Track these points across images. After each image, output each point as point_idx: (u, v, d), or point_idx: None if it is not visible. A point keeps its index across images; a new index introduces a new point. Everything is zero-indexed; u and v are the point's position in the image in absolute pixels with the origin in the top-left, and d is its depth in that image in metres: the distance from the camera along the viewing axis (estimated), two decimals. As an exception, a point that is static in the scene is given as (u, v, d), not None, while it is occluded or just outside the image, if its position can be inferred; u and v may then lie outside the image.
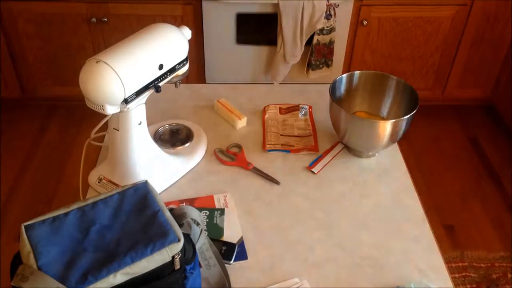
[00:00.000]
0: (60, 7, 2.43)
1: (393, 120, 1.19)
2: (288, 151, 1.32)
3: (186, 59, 1.14)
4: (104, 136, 1.33)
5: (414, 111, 1.21)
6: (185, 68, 1.16)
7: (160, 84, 1.09)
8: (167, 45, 1.09)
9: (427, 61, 2.69)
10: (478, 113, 2.92)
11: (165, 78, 1.10)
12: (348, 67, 2.68)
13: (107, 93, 0.97)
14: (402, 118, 1.19)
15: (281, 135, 1.37)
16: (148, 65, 1.04)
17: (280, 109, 1.45)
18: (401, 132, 1.23)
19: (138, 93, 1.04)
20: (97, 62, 0.97)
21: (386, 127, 1.20)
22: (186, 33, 1.14)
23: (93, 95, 0.98)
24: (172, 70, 1.11)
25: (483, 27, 2.57)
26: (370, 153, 1.31)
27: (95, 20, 2.44)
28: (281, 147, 1.33)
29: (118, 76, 0.97)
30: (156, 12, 2.38)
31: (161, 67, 1.07)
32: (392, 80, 1.34)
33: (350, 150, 1.32)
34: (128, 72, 0.99)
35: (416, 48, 2.63)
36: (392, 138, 1.23)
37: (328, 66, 2.55)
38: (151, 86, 1.07)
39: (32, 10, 2.44)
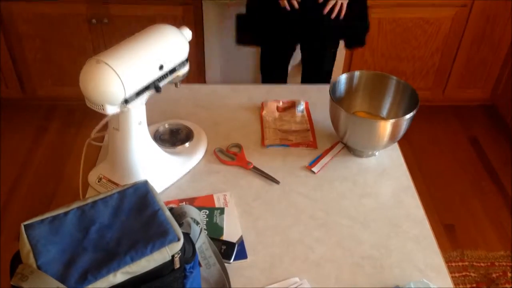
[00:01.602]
0: (60, 8, 2.43)
1: (393, 120, 1.19)
2: (287, 146, 1.33)
3: (186, 60, 1.14)
4: (104, 136, 1.32)
5: (414, 111, 1.21)
6: (185, 69, 1.16)
7: (161, 84, 1.09)
8: (168, 46, 1.09)
9: (427, 62, 2.69)
10: (478, 113, 2.92)
11: (165, 78, 1.10)
12: (348, 67, 2.68)
13: (107, 93, 0.97)
14: (402, 118, 1.19)
15: (279, 130, 1.37)
16: (148, 66, 1.04)
17: (277, 106, 1.45)
18: (401, 132, 1.23)
19: (138, 93, 1.04)
20: (97, 62, 0.97)
21: (386, 127, 1.20)
22: (187, 34, 1.14)
23: (93, 95, 0.98)
24: (173, 70, 1.11)
25: (483, 27, 2.57)
26: (370, 153, 1.31)
27: (95, 21, 2.44)
28: (280, 141, 1.34)
29: (118, 76, 0.97)
30: (156, 13, 2.38)
31: (161, 67, 1.07)
32: (392, 80, 1.34)
33: (350, 150, 1.32)
34: (128, 72, 0.99)
35: (416, 48, 2.63)
36: (392, 138, 1.23)
37: (328, 66, 2.55)
38: (151, 86, 1.07)
39: (32, 10, 2.45)
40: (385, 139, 1.22)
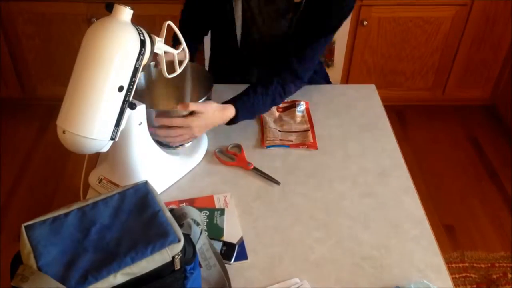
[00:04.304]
0: (60, 7, 2.43)
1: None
2: (287, 146, 1.33)
3: (142, 44, 0.96)
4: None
5: (207, 96, 1.20)
6: (147, 52, 0.99)
7: (131, 98, 1.00)
8: (115, 62, 0.93)
9: (427, 61, 2.69)
10: (478, 113, 2.92)
11: (133, 84, 0.98)
12: (348, 67, 2.68)
13: (92, 145, 0.96)
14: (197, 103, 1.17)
15: (279, 131, 1.37)
16: (107, 104, 0.95)
17: (278, 107, 1.45)
18: None
19: (117, 123, 0.98)
20: (63, 132, 0.93)
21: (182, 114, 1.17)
22: (124, 16, 0.95)
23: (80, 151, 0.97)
24: (135, 72, 0.97)
25: (483, 27, 2.57)
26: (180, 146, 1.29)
27: (95, 20, 2.44)
28: (280, 142, 1.34)
29: (90, 138, 0.94)
30: (156, 12, 2.38)
31: (121, 88, 0.95)
32: (187, 65, 1.24)
33: (163, 144, 1.25)
34: (93, 127, 0.94)
35: (416, 48, 2.63)
36: None
37: (328, 66, 2.55)
38: (125, 107, 0.99)
39: (32, 10, 2.44)
40: None
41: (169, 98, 1.37)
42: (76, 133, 0.93)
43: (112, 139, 0.99)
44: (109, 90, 0.94)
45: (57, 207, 0.84)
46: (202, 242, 0.93)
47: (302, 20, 1.35)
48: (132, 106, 1.01)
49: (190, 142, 1.30)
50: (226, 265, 1.00)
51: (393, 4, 2.46)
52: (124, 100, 0.98)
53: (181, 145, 1.29)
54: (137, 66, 0.97)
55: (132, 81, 0.97)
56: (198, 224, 0.92)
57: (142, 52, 0.97)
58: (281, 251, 1.06)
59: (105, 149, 1.00)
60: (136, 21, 1.00)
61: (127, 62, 0.95)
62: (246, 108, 1.28)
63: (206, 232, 1.09)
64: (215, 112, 1.22)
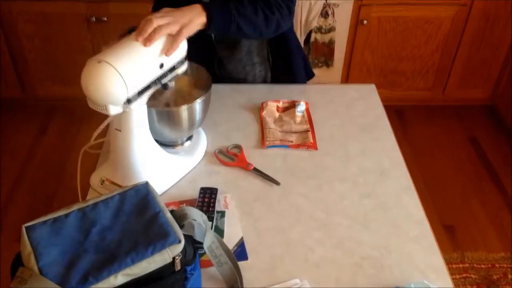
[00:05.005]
0: (60, 7, 2.43)
1: (185, 106, 1.19)
2: (287, 146, 1.33)
3: (185, 58, 1.15)
4: (100, 143, 1.31)
5: (204, 96, 1.21)
6: (184, 67, 1.16)
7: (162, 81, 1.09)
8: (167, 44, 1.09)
9: (427, 61, 2.69)
10: (478, 113, 2.93)
11: (165, 76, 1.11)
12: (348, 67, 2.68)
13: (110, 93, 0.97)
14: (194, 103, 1.19)
15: (279, 131, 1.37)
16: (149, 65, 1.04)
17: (278, 106, 1.45)
18: (197, 117, 1.23)
19: (140, 92, 1.04)
20: (98, 62, 0.97)
21: (181, 114, 1.20)
22: None
23: (95, 95, 0.98)
24: (172, 68, 1.11)
25: (483, 27, 2.57)
26: (180, 141, 1.29)
27: (94, 19, 2.44)
28: (280, 142, 1.34)
29: (121, 75, 0.97)
30: (156, 12, 2.38)
31: (161, 66, 1.07)
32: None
33: (160, 143, 1.25)
34: (130, 72, 0.99)
35: (416, 48, 2.63)
36: (192, 124, 1.24)
37: (328, 66, 2.55)
38: (153, 85, 1.07)
39: (32, 10, 2.45)
40: (186, 126, 1.23)
41: (168, 98, 1.36)
42: (111, 64, 0.96)
43: (128, 100, 1.01)
44: (153, 56, 1.05)
45: (57, 207, 0.84)
46: (210, 240, 0.93)
47: None
48: (166, 86, 1.11)
49: (189, 141, 1.30)
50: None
51: (393, 4, 2.46)
52: (156, 78, 1.07)
53: (181, 143, 1.29)
54: (175, 65, 1.11)
55: (166, 73, 1.10)
56: (200, 224, 0.92)
57: (182, 61, 1.13)
58: (281, 252, 1.06)
59: (113, 111, 1.01)
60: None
61: (175, 54, 1.10)
62: (218, 8, 1.17)
63: (213, 230, 1.08)
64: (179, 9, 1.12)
